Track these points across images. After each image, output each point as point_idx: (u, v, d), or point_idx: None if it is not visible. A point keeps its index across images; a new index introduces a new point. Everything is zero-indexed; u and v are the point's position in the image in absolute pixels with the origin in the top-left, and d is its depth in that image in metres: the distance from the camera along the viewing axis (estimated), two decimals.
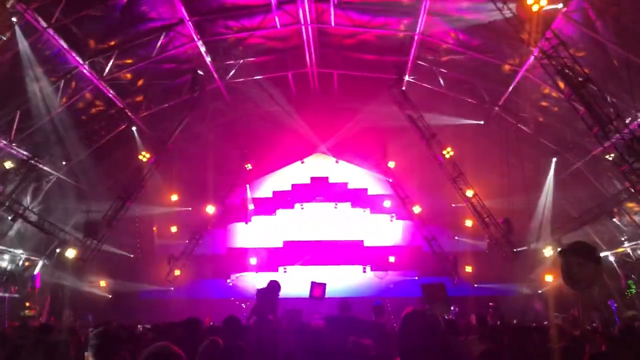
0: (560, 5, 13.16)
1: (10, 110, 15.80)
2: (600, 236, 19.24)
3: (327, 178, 24.48)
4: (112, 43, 16.65)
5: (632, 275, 16.64)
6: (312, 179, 24.51)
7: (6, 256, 19.23)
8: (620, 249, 18.65)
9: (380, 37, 18.72)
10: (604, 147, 13.62)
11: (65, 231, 19.77)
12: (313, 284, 16.67)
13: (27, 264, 20.37)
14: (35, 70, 14.82)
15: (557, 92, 14.84)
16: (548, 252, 18.73)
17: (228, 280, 22.98)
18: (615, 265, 18.84)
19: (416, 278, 22.12)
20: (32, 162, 17.62)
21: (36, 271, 20.30)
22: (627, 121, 13.35)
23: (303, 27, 18.07)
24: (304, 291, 17.01)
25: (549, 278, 18.75)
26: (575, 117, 14.51)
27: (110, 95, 18.44)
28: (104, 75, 17.33)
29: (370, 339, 5.19)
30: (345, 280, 22.04)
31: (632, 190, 13.67)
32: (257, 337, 8.59)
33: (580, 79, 12.91)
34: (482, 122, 20.43)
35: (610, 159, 13.75)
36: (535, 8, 12.31)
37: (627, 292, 16.34)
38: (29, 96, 15.45)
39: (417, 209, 21.59)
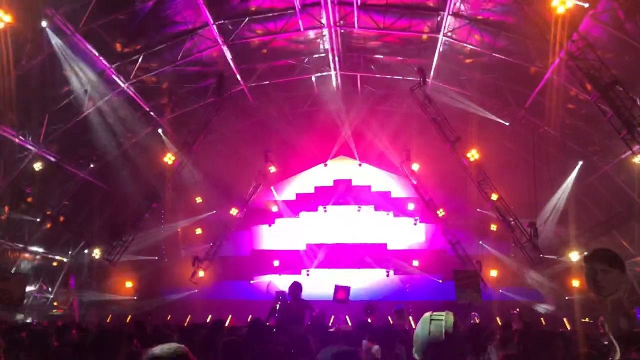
0: (586, 5, 12.93)
1: (39, 113, 16.17)
2: (629, 241, 18.87)
3: (350, 180, 24.45)
4: (138, 47, 16.92)
5: None
6: (335, 181, 24.50)
7: (36, 256, 19.67)
8: None
9: (404, 39, 18.65)
10: (633, 151, 13.34)
11: (92, 232, 20.13)
12: (337, 287, 16.67)
13: (54, 264, 20.78)
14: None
15: (584, 94, 14.59)
16: (574, 257, 18.40)
17: (252, 282, 23.07)
18: None
19: (440, 282, 21.97)
20: (60, 163, 17.98)
21: (64, 270, 20.72)
22: None
23: (327, 30, 18.11)
24: (327, 293, 17.02)
25: (575, 283, 18.46)
26: (602, 120, 14.26)
27: (136, 98, 18.72)
28: (130, 78, 17.61)
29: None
30: (368, 283, 22.01)
31: None
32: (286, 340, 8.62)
33: (607, 81, 12.67)
34: (507, 124, 20.16)
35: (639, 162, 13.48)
36: (561, 10, 12.12)
37: None
38: (61, 96, 15.86)
39: (441, 212, 21.41)
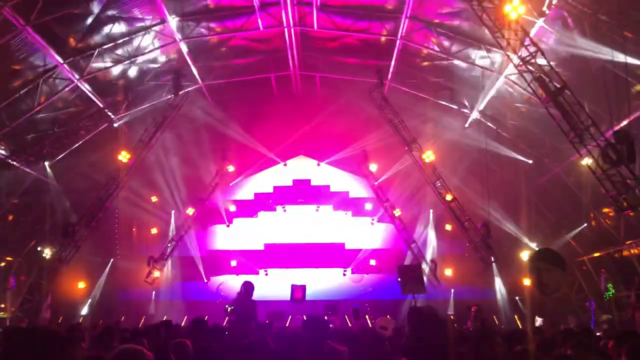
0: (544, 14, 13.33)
1: None
2: (578, 241, 19.53)
3: (309, 180, 24.51)
4: (93, 42, 16.52)
5: (608, 278, 16.89)
6: (294, 181, 24.52)
7: None
8: (597, 254, 18.90)
9: (363, 41, 18.82)
10: (581, 154, 13.79)
11: (43, 232, 19.55)
12: (293, 287, 16.76)
13: (2, 264, 20.09)
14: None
15: (535, 98, 15.01)
16: (526, 256, 18.93)
17: (207, 282, 22.88)
18: (591, 269, 19.11)
19: (399, 280, 22.19)
20: (9, 161, 17.41)
21: (12, 271, 20.05)
22: (603, 129, 13.55)
23: (286, 30, 18.10)
24: (285, 294, 17.03)
25: (527, 282, 18.98)
26: (553, 124, 14.70)
27: (90, 95, 18.29)
28: (84, 74, 17.19)
29: (345, 346, 5.23)
30: (326, 282, 22.11)
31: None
32: (232, 339, 8.59)
33: (557, 86, 13.08)
34: (462, 127, 20.58)
35: (587, 165, 13.92)
36: (513, 16, 12.48)
37: (605, 294, 16.60)
38: (10, 91, 15.35)
39: (397, 212, 21.70)
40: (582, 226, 19.01)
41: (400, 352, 5.11)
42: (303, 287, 16.24)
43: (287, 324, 16.06)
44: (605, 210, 17.87)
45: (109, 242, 22.23)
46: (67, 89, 17.39)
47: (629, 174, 12.01)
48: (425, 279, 14.93)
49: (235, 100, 21.33)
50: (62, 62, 16.19)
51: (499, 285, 21.17)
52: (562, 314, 17.74)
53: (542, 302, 16.26)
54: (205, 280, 22.89)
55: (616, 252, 18.34)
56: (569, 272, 16.52)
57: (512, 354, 4.67)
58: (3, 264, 20.12)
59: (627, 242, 17.21)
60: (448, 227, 21.99)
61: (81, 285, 21.04)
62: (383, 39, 18.25)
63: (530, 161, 19.80)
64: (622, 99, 12.67)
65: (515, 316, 19.89)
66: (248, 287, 10.08)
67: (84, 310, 21.05)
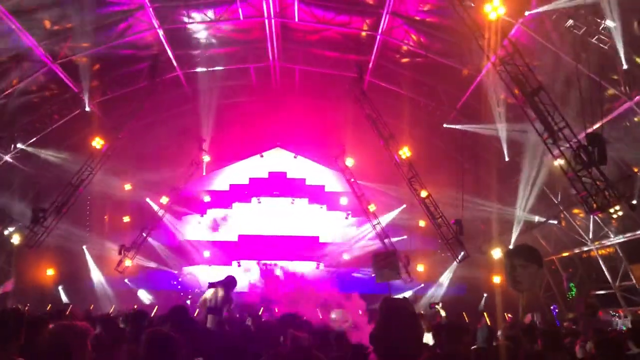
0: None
1: None
2: (547, 240, 19.88)
3: (285, 173, 24.46)
4: (69, 25, 16.17)
5: (572, 278, 17.28)
6: (270, 173, 24.45)
7: None
8: (565, 253, 19.29)
9: (343, 35, 18.83)
10: (554, 155, 14.02)
11: (12, 217, 19.13)
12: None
13: None
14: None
15: (511, 98, 15.19)
16: (497, 254, 19.19)
17: (177, 272, 22.72)
18: (560, 269, 19.50)
19: (372, 275, 22.36)
20: None
21: None
22: (576, 131, 13.80)
23: (266, 21, 17.99)
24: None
25: (496, 279, 19.26)
26: (528, 125, 14.91)
27: (64, 79, 17.93)
28: (59, 58, 16.84)
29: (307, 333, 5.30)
30: (299, 275, 22.16)
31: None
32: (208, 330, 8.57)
33: (533, 86, 13.25)
34: (440, 124, 20.73)
35: (559, 166, 14.16)
36: (493, 16, 12.59)
37: (568, 294, 16.99)
38: None
39: (372, 207, 21.81)
40: (552, 223, 19.28)
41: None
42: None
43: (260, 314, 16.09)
44: (576, 211, 18.22)
45: (80, 229, 21.85)
46: (40, 72, 17.02)
47: (600, 176, 12.25)
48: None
49: (213, 90, 21.13)
50: (36, 44, 15.81)
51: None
52: (530, 310, 18.07)
53: (514, 299, 16.57)
54: (176, 272, 22.71)
55: (584, 252, 18.76)
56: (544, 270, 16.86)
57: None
58: None
59: (596, 243, 17.62)
60: (422, 223, 22.16)
61: (50, 272, 20.71)
62: (364, 33, 18.28)
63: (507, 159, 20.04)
64: (596, 103, 12.91)
65: (485, 313, 20.16)
66: (230, 283, 10.06)
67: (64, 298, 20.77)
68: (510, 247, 16.97)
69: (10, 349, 3.72)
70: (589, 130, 13.12)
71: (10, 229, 18.99)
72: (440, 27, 16.54)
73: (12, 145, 18.75)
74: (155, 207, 22.29)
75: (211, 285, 11.10)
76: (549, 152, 13.90)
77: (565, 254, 19.39)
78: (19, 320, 3.92)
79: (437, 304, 15.93)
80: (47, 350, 3.53)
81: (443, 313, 13.78)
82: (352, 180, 22.23)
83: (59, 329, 3.67)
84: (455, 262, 19.50)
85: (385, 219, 22.46)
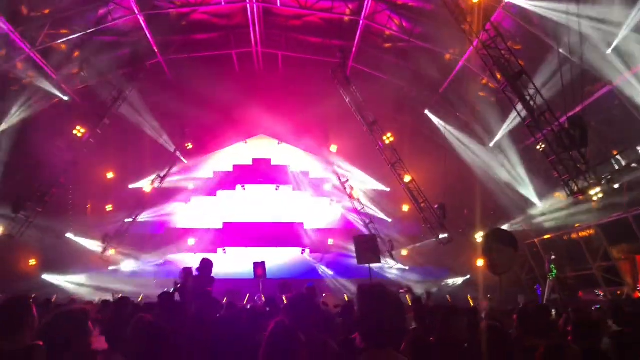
0: None
1: None
2: (529, 223, 20.12)
3: (269, 160, 24.39)
4: (47, 11, 15.90)
5: (553, 258, 17.50)
6: (254, 160, 24.37)
7: None
8: (547, 236, 19.55)
9: (326, 21, 18.75)
10: (536, 138, 14.17)
11: None
12: (255, 264, 16.91)
13: None
14: None
15: (494, 82, 15.31)
16: (480, 237, 19.41)
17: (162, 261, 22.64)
18: (541, 251, 19.77)
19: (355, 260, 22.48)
20: None
21: None
22: (557, 114, 13.95)
23: (248, 5, 17.84)
24: (242, 272, 17.00)
25: (480, 263, 19.48)
26: (511, 108, 15.05)
27: (43, 66, 17.64)
28: (37, 44, 16.56)
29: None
30: (283, 261, 22.18)
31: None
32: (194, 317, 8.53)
33: (515, 70, 13.36)
34: (422, 110, 20.81)
35: (541, 149, 14.32)
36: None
37: (549, 275, 17.25)
38: None
39: (356, 193, 21.89)
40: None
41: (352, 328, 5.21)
42: (263, 264, 16.42)
43: (245, 302, 16.11)
44: (557, 194, 18.45)
45: (63, 218, 21.61)
46: (18, 59, 16.73)
47: (581, 158, 12.42)
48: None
49: (196, 77, 20.90)
50: (13, 30, 15.52)
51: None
52: (513, 293, 18.35)
53: (494, 282, 16.80)
54: (161, 261, 22.60)
55: (565, 234, 19.03)
56: (520, 253, 17.08)
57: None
58: None
59: (576, 225, 17.89)
60: (405, 208, 22.30)
61: (32, 262, 20.50)
62: (346, 19, 18.22)
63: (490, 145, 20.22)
64: (577, 86, 13.04)
65: (468, 296, 20.42)
66: (206, 265, 9.98)
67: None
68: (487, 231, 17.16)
69: (26, 333, 3.72)
70: (571, 113, 13.29)
71: None
72: (422, 11, 16.55)
73: None
74: (138, 195, 22.09)
75: (185, 270, 10.98)
76: (532, 135, 14.03)
77: (546, 237, 19.65)
78: (27, 307, 3.91)
79: (405, 289, 16.06)
80: (47, 337, 3.54)
81: (409, 299, 13.84)
82: (336, 166, 22.26)
83: (57, 315, 3.69)
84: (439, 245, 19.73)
85: (369, 203, 22.55)
